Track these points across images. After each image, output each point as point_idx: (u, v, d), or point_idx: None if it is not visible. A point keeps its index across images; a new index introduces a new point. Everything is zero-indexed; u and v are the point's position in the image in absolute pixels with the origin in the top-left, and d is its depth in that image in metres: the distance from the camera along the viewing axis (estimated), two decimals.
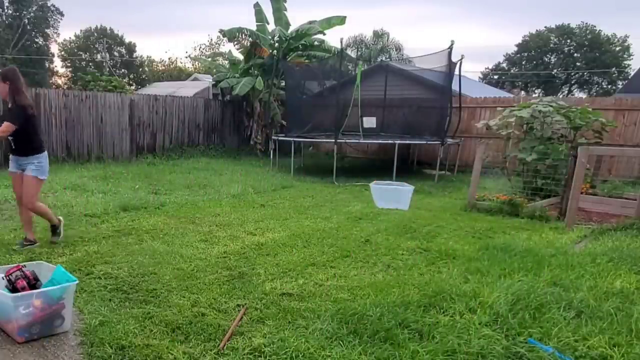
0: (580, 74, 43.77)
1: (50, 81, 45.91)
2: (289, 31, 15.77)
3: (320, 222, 6.50)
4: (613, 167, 11.12)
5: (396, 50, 28.92)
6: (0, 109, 9.33)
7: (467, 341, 2.86)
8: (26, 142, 4.80)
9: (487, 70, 49.31)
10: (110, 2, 74.07)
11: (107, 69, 39.94)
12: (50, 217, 5.11)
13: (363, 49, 28.85)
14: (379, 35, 30.73)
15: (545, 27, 45.69)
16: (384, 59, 25.68)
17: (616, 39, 42.82)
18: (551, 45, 44.93)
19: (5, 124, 4.59)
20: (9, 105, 4.76)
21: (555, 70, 44.81)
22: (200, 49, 41.07)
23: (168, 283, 3.94)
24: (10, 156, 4.99)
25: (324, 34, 16.02)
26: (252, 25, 15.94)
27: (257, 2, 15.98)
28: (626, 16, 65.40)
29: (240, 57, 16.85)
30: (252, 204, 7.74)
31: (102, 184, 9.10)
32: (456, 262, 4.63)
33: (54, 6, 44.31)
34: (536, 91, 45.90)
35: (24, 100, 4.71)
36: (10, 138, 4.74)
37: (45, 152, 5.00)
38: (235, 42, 16.10)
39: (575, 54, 44.07)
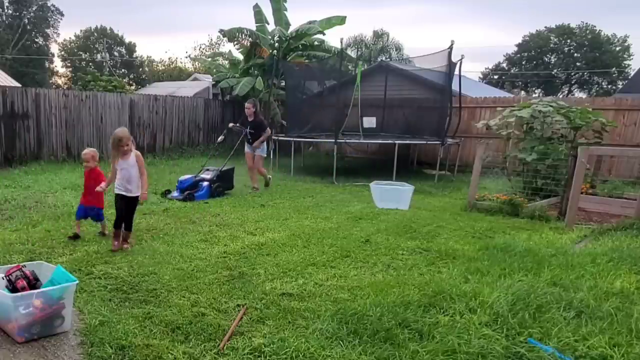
0: (580, 74, 43.78)
1: (50, 81, 45.96)
2: (289, 31, 15.76)
3: (320, 222, 6.50)
4: (613, 167, 11.11)
5: (396, 50, 28.94)
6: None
7: (467, 341, 2.86)
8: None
9: (487, 70, 49.39)
10: (110, 2, 74.18)
11: (107, 69, 39.92)
12: (265, 176, 9.33)
13: (363, 49, 28.86)
14: (379, 35, 30.76)
15: (545, 27, 45.78)
16: (384, 59, 25.66)
17: (616, 39, 42.86)
18: (551, 45, 44.94)
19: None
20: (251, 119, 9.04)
21: (555, 70, 44.81)
22: (200, 49, 41.13)
23: (168, 283, 3.94)
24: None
25: (324, 34, 16.03)
26: (252, 25, 15.95)
27: (257, 3, 15.99)
28: (626, 16, 65.45)
29: (240, 57, 16.85)
30: (252, 204, 7.74)
31: None
32: (456, 262, 4.63)
33: (54, 6, 44.41)
34: (536, 91, 45.92)
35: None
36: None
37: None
38: (235, 42, 16.10)
39: (575, 54, 44.08)
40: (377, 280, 4.11)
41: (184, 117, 15.48)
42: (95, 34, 48.10)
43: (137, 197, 4.99)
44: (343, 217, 6.84)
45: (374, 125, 13.58)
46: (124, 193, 4.94)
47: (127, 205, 5.00)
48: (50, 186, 8.70)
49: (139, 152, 4.95)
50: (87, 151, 5.39)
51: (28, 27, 42.84)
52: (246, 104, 9.20)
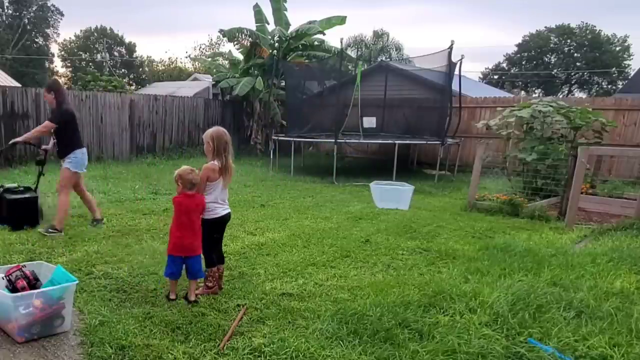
0: (580, 74, 43.77)
1: None
2: (289, 31, 15.77)
3: (320, 222, 6.50)
4: (613, 167, 11.11)
5: (396, 50, 28.95)
6: None
7: (467, 341, 2.86)
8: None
9: (487, 70, 49.37)
10: (110, 2, 74.16)
11: (107, 69, 39.92)
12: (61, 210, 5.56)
13: (363, 49, 28.86)
14: (379, 35, 30.78)
15: (545, 27, 45.77)
16: (384, 59, 25.66)
17: (616, 39, 42.85)
18: (551, 45, 44.93)
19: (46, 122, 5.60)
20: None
21: (555, 70, 44.80)
22: (200, 49, 41.14)
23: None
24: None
25: (324, 34, 16.03)
26: (252, 25, 15.95)
27: (257, 3, 15.99)
28: (626, 16, 65.44)
29: (240, 57, 16.85)
30: (252, 204, 7.74)
31: (102, 184, 9.10)
32: (456, 262, 4.64)
33: (54, 6, 44.42)
34: (536, 91, 45.91)
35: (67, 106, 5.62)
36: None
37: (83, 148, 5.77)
38: (235, 42, 16.10)
39: (575, 54, 44.07)
40: (377, 280, 4.11)
41: (184, 117, 15.48)
42: (95, 34, 48.09)
43: (204, 220, 3.71)
44: (343, 217, 6.84)
45: (374, 125, 13.58)
46: None
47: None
48: (50, 186, 8.67)
49: (207, 165, 3.68)
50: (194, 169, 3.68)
51: (28, 27, 42.84)
52: (43, 91, 6.07)
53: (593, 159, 8.18)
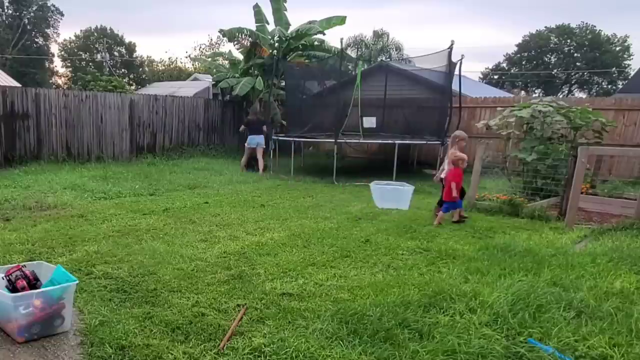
0: (580, 74, 43.78)
1: (50, 81, 45.92)
2: (289, 31, 15.75)
3: (320, 222, 6.50)
4: (613, 167, 11.11)
5: (396, 50, 28.96)
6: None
7: (467, 341, 2.86)
8: None
9: (487, 70, 49.37)
10: (110, 2, 74.10)
11: (107, 69, 39.91)
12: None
13: (363, 49, 28.86)
14: (379, 35, 30.79)
15: (545, 27, 45.78)
16: (384, 59, 25.66)
17: (616, 39, 42.87)
18: (551, 45, 44.94)
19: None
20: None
21: (555, 70, 44.81)
22: (200, 49, 41.06)
23: (168, 283, 3.94)
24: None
25: (324, 34, 16.01)
26: (252, 25, 15.94)
27: (257, 3, 15.98)
28: (626, 16, 65.42)
29: (240, 57, 16.84)
30: (252, 204, 7.74)
31: (102, 184, 9.10)
32: (456, 262, 4.63)
33: (54, 6, 44.38)
34: (536, 91, 45.93)
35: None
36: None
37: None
38: (235, 42, 16.09)
39: (575, 54, 44.09)
40: (377, 280, 4.11)
41: (184, 117, 15.47)
42: (95, 34, 48.05)
43: None
44: (343, 217, 6.84)
45: (374, 125, 13.57)
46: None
47: None
48: (50, 186, 8.69)
49: (453, 151, 6.83)
50: None
51: (28, 27, 42.81)
52: None
53: (593, 159, 8.19)
